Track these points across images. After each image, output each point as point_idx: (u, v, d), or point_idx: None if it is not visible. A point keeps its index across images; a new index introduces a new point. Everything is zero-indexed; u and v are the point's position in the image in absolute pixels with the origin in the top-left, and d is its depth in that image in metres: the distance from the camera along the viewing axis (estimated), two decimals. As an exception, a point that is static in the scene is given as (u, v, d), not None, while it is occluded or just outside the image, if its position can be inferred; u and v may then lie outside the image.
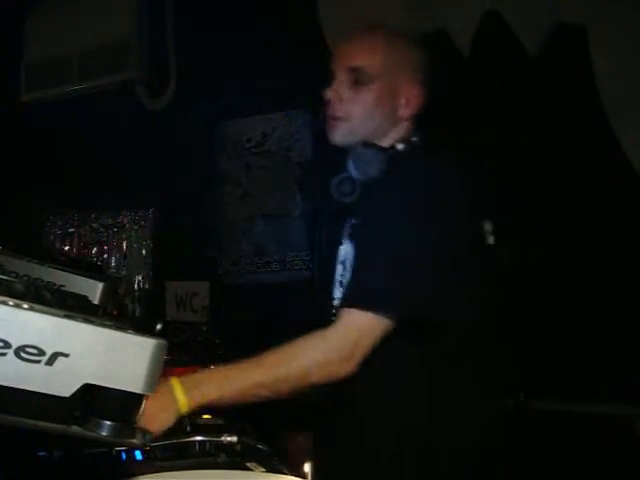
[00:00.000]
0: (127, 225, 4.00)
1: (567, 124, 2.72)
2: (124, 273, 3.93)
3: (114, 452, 1.39)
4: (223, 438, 1.50)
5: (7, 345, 0.78)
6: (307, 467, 1.39)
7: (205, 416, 1.76)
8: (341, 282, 1.64)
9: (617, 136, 2.56)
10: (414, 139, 1.65)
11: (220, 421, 1.76)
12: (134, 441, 0.90)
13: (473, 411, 1.53)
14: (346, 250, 1.63)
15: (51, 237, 4.17)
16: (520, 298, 2.61)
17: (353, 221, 1.63)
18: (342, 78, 1.63)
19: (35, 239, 4.10)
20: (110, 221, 4.04)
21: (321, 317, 1.62)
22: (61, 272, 1.61)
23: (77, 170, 3.90)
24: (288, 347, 1.44)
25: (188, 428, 1.62)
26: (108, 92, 3.79)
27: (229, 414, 1.74)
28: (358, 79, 1.62)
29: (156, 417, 1.26)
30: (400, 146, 1.63)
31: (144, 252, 3.96)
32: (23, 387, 0.79)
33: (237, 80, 3.47)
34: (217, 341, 2.91)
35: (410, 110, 1.65)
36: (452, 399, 1.51)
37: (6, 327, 0.78)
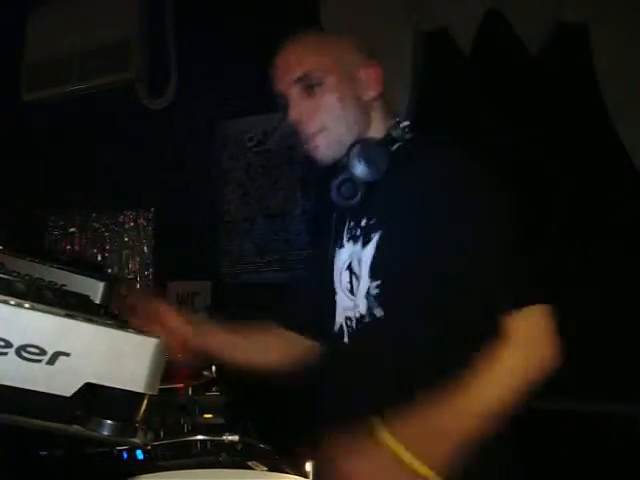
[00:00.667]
0: (128, 225, 4.01)
1: (569, 123, 2.72)
2: (125, 273, 3.93)
3: (115, 451, 1.39)
4: (224, 437, 1.50)
5: (8, 344, 0.78)
6: (308, 466, 1.39)
7: (206, 415, 1.76)
8: (350, 289, 1.52)
9: (619, 135, 2.56)
10: (402, 125, 1.54)
11: (221, 420, 1.76)
12: (135, 440, 0.90)
13: None
14: (351, 253, 1.52)
15: (52, 237, 4.17)
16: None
17: (364, 222, 1.50)
18: (294, 93, 1.52)
19: (36, 239, 4.10)
20: (111, 221, 4.05)
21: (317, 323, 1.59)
22: (62, 271, 1.61)
23: (78, 170, 3.90)
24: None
25: (188, 427, 1.63)
26: (109, 92, 3.79)
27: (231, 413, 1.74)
28: (309, 84, 1.51)
29: None
30: (395, 133, 1.53)
31: (145, 252, 3.96)
32: (24, 386, 0.79)
33: (238, 79, 3.47)
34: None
35: (374, 90, 1.54)
36: None
37: (7, 326, 0.78)
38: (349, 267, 1.52)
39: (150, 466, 1.38)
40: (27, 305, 0.80)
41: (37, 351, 0.79)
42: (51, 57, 3.90)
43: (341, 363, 1.51)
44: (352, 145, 1.49)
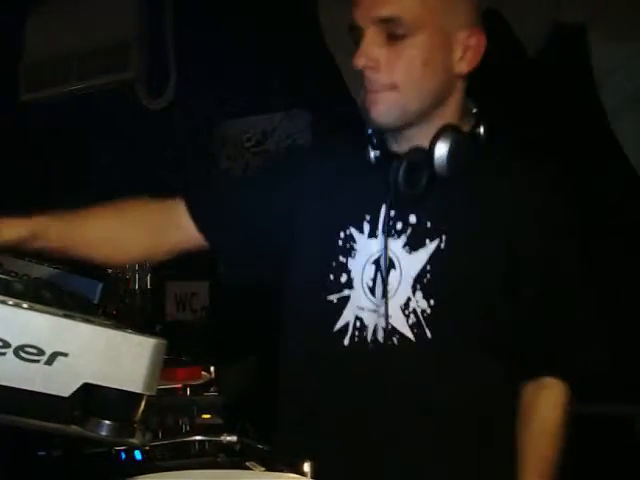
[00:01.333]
0: (127, 225, 4.00)
1: (566, 124, 2.72)
2: (123, 272, 3.93)
3: (114, 452, 1.39)
4: (222, 438, 1.50)
5: (6, 345, 0.78)
6: (307, 466, 1.39)
7: (205, 416, 1.76)
8: (371, 288, 1.30)
9: (617, 136, 2.56)
10: (476, 114, 1.33)
11: (220, 421, 1.76)
12: (134, 441, 0.90)
13: None
14: (384, 248, 1.28)
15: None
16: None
17: (413, 219, 1.29)
18: (372, 35, 1.23)
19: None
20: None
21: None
22: (61, 272, 1.61)
23: (77, 170, 3.90)
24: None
25: (187, 428, 1.63)
26: (108, 92, 3.79)
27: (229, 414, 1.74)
28: (394, 32, 1.22)
29: None
30: (480, 131, 1.30)
31: (144, 252, 3.95)
32: (22, 387, 0.79)
33: (237, 79, 3.47)
34: (217, 341, 2.91)
35: (469, 64, 1.27)
36: None
37: (5, 327, 0.78)
38: (376, 263, 1.30)
39: (148, 466, 1.38)
40: (25, 305, 0.80)
41: (35, 351, 0.79)
42: (50, 57, 3.90)
43: (340, 370, 1.31)
44: (442, 130, 1.26)
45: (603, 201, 2.67)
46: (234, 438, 1.49)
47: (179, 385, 1.89)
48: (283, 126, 3.50)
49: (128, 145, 3.80)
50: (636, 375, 2.52)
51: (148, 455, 1.44)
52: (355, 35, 1.26)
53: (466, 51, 1.27)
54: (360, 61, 1.24)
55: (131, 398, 0.85)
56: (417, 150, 1.29)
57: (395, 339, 1.27)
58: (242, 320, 3.39)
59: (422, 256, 1.27)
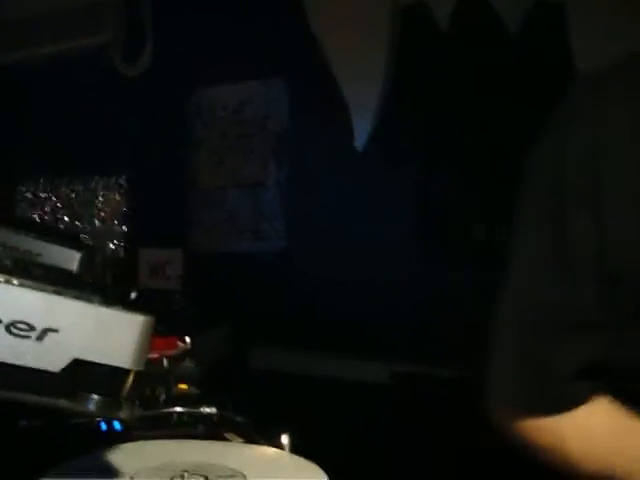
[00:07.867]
0: (99, 191, 3.97)
1: (545, 101, 2.73)
2: (97, 239, 3.91)
3: (95, 422, 1.40)
4: (202, 409, 1.51)
5: (-3, 320, 0.78)
6: (284, 439, 1.41)
7: (181, 386, 1.77)
8: None
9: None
10: None
11: (196, 391, 1.77)
12: (120, 414, 0.91)
13: None
14: None
15: (22, 203, 4.12)
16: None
17: None
18: None
19: (6, 206, 4.05)
20: (82, 187, 4.01)
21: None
22: (38, 241, 1.59)
23: (49, 136, 3.85)
24: None
25: (164, 398, 1.63)
26: (81, 56, 3.73)
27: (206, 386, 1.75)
28: None
29: None
30: None
31: (116, 219, 3.93)
32: (14, 362, 0.79)
33: (214, 47, 3.43)
34: (191, 310, 2.92)
35: None
36: None
37: (-4, 302, 0.78)
38: None
39: (127, 436, 1.39)
40: (16, 281, 0.80)
41: (26, 327, 0.79)
42: (20, 18, 3.82)
43: None
44: None
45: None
46: (213, 410, 1.50)
47: (155, 355, 1.89)
48: (260, 95, 3.49)
49: (102, 111, 3.75)
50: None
51: (127, 425, 1.45)
52: None
53: None
54: None
55: (119, 373, 0.86)
56: None
57: None
58: (216, 289, 3.39)
59: None
